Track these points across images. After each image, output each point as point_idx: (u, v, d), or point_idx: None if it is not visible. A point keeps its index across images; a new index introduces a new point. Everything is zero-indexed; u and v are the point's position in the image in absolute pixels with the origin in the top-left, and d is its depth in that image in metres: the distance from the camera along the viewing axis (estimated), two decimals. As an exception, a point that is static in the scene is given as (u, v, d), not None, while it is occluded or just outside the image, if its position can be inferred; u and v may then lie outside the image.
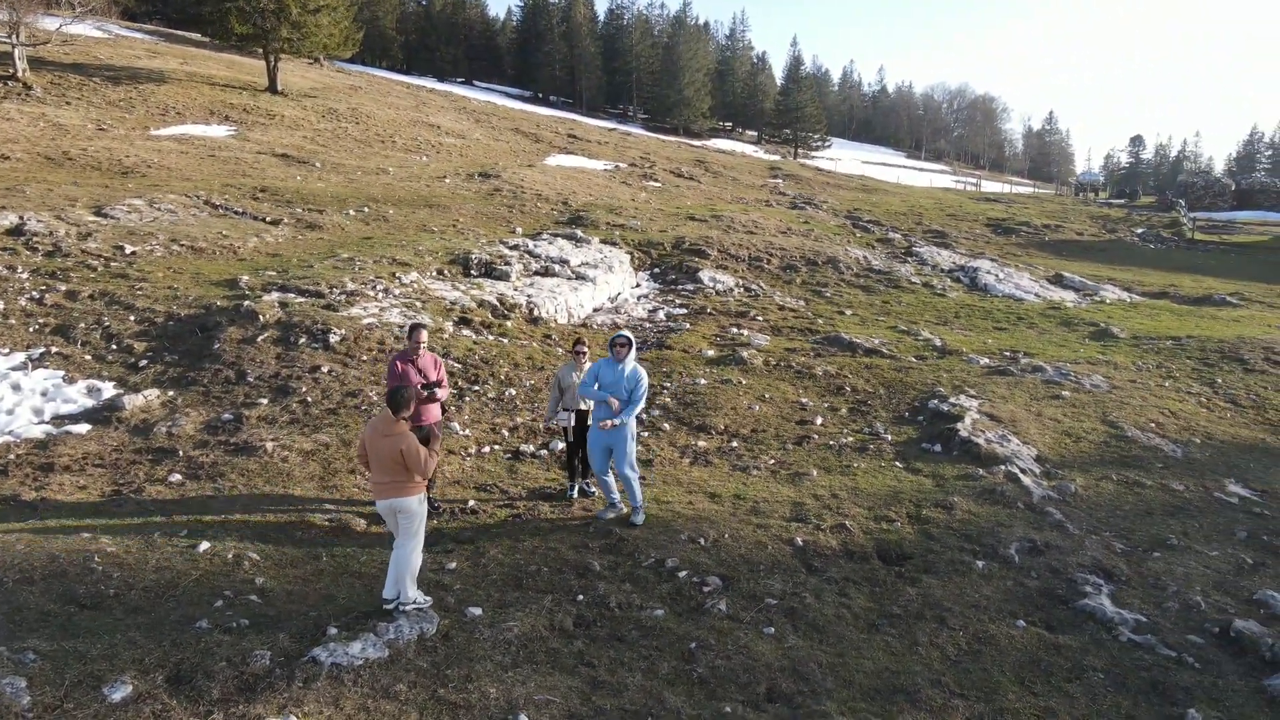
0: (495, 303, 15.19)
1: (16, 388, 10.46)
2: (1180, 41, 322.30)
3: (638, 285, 19.70)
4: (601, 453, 8.09)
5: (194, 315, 12.72)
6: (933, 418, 11.44)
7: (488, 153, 38.85)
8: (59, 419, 9.97)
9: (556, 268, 17.99)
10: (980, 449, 10.20)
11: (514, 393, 11.81)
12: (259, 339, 12.02)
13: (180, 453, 9.15)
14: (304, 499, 8.27)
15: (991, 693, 5.68)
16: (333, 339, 12.16)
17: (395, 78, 72.44)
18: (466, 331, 13.78)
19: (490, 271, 16.93)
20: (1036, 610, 6.85)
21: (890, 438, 10.93)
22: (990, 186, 74.06)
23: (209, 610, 5.98)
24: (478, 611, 6.21)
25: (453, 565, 7.05)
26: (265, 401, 10.55)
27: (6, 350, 11.37)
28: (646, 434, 10.88)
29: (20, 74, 31.69)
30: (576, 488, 8.87)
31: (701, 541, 7.67)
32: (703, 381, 12.78)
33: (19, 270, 13.70)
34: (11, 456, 8.90)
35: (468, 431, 10.45)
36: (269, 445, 9.27)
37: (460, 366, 12.28)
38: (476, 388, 11.78)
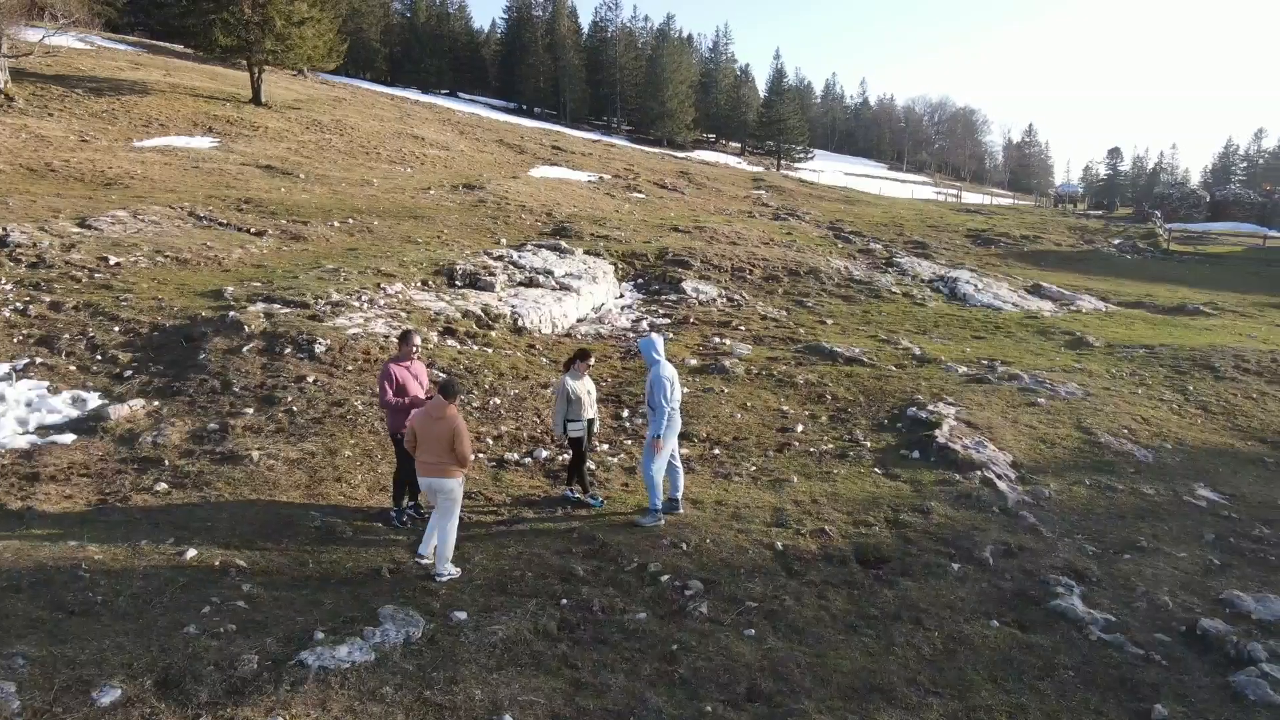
0: (480, 313, 15.31)
1: (1, 398, 10.47)
2: (1159, 54, 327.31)
3: (621, 296, 19.87)
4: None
5: (179, 326, 12.77)
6: (911, 425, 11.63)
7: (472, 164, 38.98)
8: (44, 429, 9.99)
9: (541, 278, 18.13)
10: (957, 455, 10.40)
11: (498, 402, 11.92)
12: (244, 349, 12.09)
13: (166, 462, 9.20)
14: (290, 507, 8.34)
15: (965, 691, 5.83)
16: (318, 349, 12.24)
17: (380, 89, 72.52)
18: (451, 341, 13.88)
19: (475, 282, 17.04)
20: (1010, 611, 7.02)
21: (870, 445, 11.12)
22: (971, 198, 74.88)
23: (196, 616, 6.05)
24: (463, 616, 6.32)
25: (438, 571, 7.15)
26: (251, 411, 10.61)
27: (-10, 361, 11.38)
28: (630, 441, 11.02)
29: (2, 86, 31.57)
30: (576, 495, 9.01)
31: (684, 546, 7.80)
32: (685, 390, 12.92)
33: (2, 282, 13.71)
34: (-4, 467, 8.92)
35: (453, 440, 10.54)
36: (255, 454, 9.34)
37: (445, 376, 12.37)
38: (460, 397, 11.87)
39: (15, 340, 12.04)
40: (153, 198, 20.98)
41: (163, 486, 8.63)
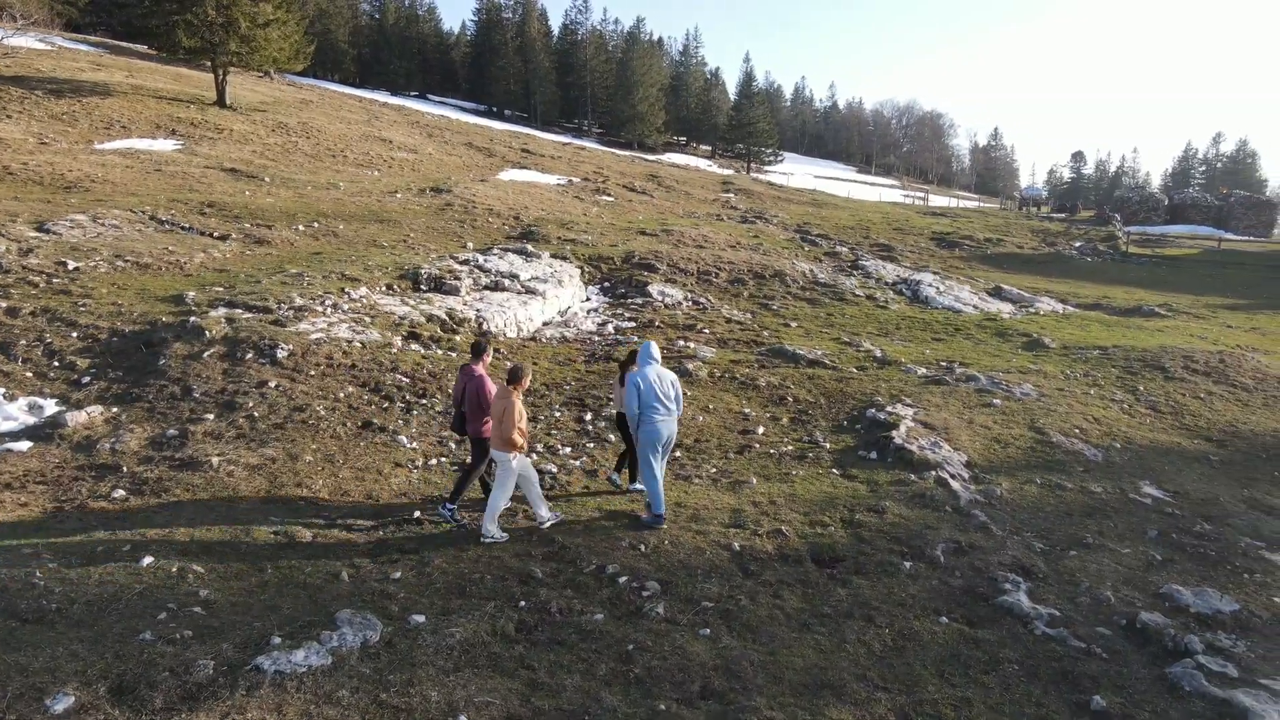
0: (444, 317, 15.33)
1: (-45, 406, 10.36)
2: (1123, 58, 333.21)
3: (588, 299, 19.96)
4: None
5: (139, 331, 12.66)
6: (870, 426, 11.84)
7: (440, 167, 38.86)
8: (-1, 436, 9.90)
9: (506, 282, 18.17)
10: (913, 455, 10.61)
11: (462, 406, 11.95)
12: (205, 355, 12.03)
13: (124, 469, 9.16)
14: (249, 513, 8.34)
15: (913, 685, 5.99)
16: (280, 354, 12.21)
17: (348, 91, 72.01)
18: (415, 345, 13.90)
19: (440, 286, 17.05)
20: (959, 607, 7.20)
21: (829, 446, 11.31)
22: (938, 201, 75.80)
23: (152, 623, 6.05)
24: (421, 619, 6.37)
25: (398, 575, 7.19)
26: (211, 417, 10.57)
27: (-56, 368, 11.23)
28: (592, 445, 11.12)
29: (-43, 86, 31.00)
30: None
31: (642, 548, 7.91)
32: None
33: (-43, 287, 13.50)
34: (-50, 475, 8.82)
35: (415, 444, 10.59)
36: (215, 460, 9.32)
37: (408, 380, 12.40)
38: (424, 401, 11.90)
39: (-30, 347, 11.88)
40: (113, 201, 20.72)
41: (120, 493, 8.59)
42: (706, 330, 17.67)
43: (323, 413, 10.92)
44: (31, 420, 10.33)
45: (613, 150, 74.58)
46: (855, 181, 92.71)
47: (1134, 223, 51.77)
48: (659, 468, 8.61)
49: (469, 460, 9.02)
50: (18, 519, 7.95)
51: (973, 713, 5.73)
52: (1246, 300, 28.95)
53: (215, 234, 19.40)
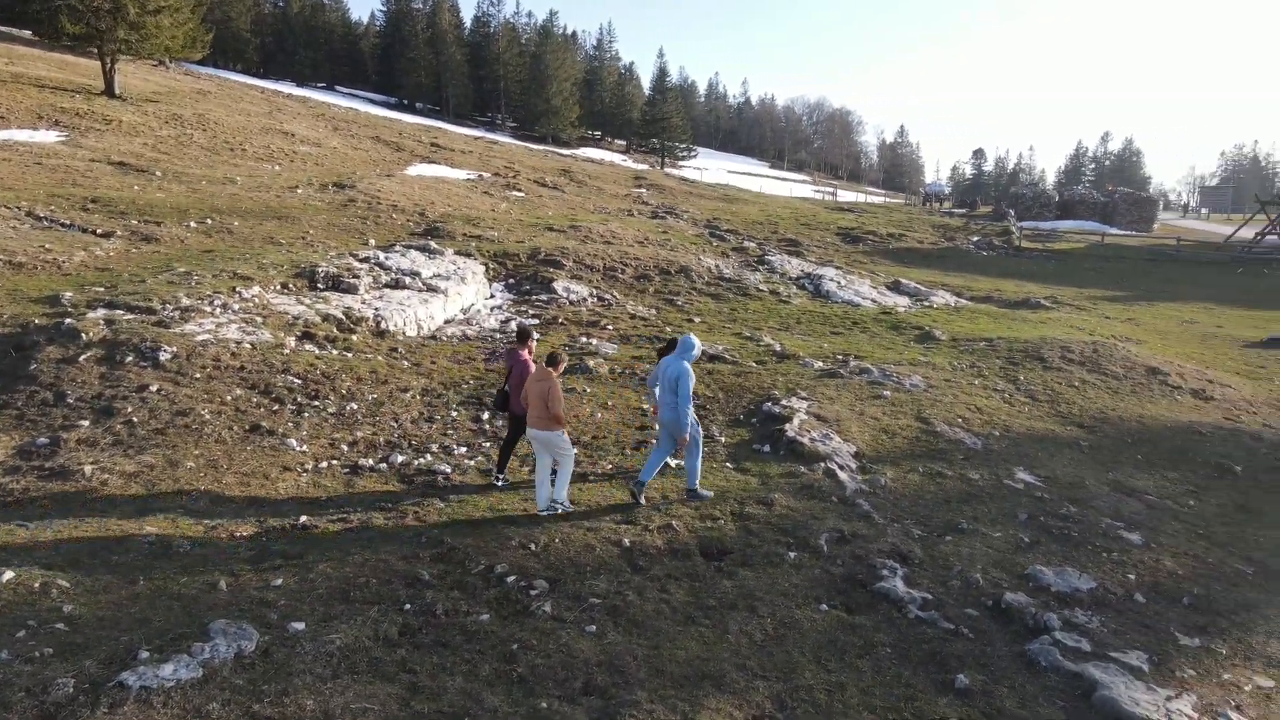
0: (341, 316, 15.01)
1: None
2: (1021, 57, 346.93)
3: (492, 296, 19.81)
4: None
5: (8, 335, 12.03)
6: (765, 420, 12.11)
7: (345, 162, 37.92)
8: None
9: (408, 280, 17.90)
10: (804, 448, 10.91)
11: (355, 407, 11.75)
12: (81, 358, 11.50)
13: (-12, 481, 8.71)
14: (123, 522, 8.05)
15: (790, 672, 6.19)
16: (163, 357, 11.77)
17: (250, 81, 69.50)
18: (310, 346, 13.58)
19: (337, 284, 16.68)
20: (838, 595, 7.46)
21: (724, 440, 11.53)
22: (846, 196, 77.78)
23: (10, 641, 5.79)
24: (300, 626, 6.26)
25: (279, 582, 7.04)
26: (86, 423, 10.14)
27: None
28: (488, 444, 11.08)
29: None
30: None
31: (532, 546, 7.93)
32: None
33: None
34: None
35: (305, 447, 10.36)
36: (88, 469, 8.95)
37: (300, 382, 12.11)
38: (316, 403, 11.65)
39: None
40: (-15, 196, 19.58)
41: (-18, 506, 8.17)
42: (610, 326, 17.76)
43: (208, 417, 10.59)
44: (-115, 431, 9.72)
45: (527, 145, 74.03)
46: (768, 177, 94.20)
47: (1028, 218, 54.08)
48: (665, 454, 9.43)
49: (507, 434, 10.04)
50: None
51: (846, 696, 5.96)
52: (1125, 292, 30.65)
53: (98, 231, 18.54)
